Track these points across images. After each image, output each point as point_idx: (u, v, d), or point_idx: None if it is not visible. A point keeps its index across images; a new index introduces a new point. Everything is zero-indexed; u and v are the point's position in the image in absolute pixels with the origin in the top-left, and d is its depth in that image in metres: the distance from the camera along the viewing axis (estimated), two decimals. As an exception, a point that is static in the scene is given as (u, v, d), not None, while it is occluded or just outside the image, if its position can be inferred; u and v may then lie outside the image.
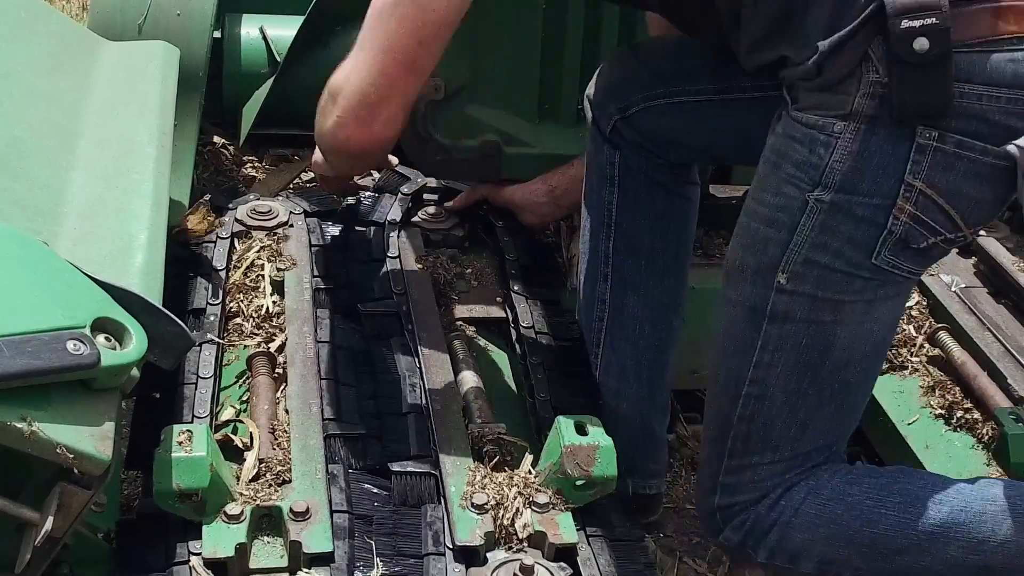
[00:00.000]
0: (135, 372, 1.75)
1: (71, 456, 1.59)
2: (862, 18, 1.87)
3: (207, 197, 2.88)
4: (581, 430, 2.08)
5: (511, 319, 2.72)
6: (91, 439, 1.63)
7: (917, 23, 1.82)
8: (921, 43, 1.83)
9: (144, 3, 3.03)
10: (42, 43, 2.59)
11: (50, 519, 1.63)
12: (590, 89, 2.60)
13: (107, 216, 2.09)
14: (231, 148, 3.85)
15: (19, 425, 1.55)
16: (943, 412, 2.71)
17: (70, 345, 1.62)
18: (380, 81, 2.22)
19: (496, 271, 2.88)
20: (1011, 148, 1.87)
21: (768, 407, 2.13)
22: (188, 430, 1.97)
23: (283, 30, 3.62)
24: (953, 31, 1.84)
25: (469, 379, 2.40)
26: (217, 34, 3.41)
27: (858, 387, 2.17)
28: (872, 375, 2.20)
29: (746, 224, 2.09)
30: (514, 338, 2.69)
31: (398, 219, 2.95)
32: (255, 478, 2.08)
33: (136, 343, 1.72)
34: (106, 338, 1.70)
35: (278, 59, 3.55)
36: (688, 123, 2.46)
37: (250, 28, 3.66)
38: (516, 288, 2.78)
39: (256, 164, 3.84)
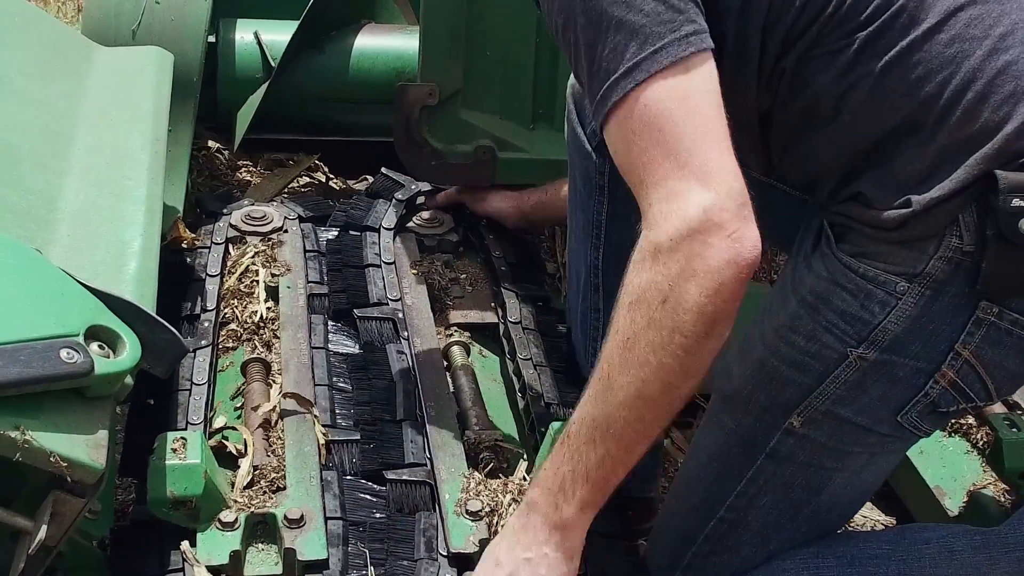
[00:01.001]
0: (129, 380, 1.75)
1: (64, 464, 1.59)
2: (967, 182, 1.76)
3: (179, 214, 2.87)
4: (574, 436, 2.07)
5: (499, 315, 2.73)
6: (85, 447, 1.62)
7: None
8: None
9: (138, 8, 3.02)
10: (35, 48, 2.58)
11: (44, 527, 1.63)
12: (574, 93, 2.53)
13: (100, 223, 2.09)
14: (225, 153, 3.84)
15: (12, 434, 1.55)
16: (937, 418, 2.71)
17: (63, 353, 1.62)
18: (724, 167, 1.75)
19: (487, 273, 2.89)
20: None
21: (740, 534, 2.07)
22: (182, 437, 1.97)
23: (277, 35, 3.61)
24: None
25: (465, 386, 2.40)
26: (211, 39, 3.40)
27: (832, 529, 2.12)
28: (846, 520, 2.16)
29: (763, 358, 1.97)
30: (501, 332, 2.69)
31: (392, 224, 2.95)
32: (249, 485, 2.08)
33: (130, 351, 1.72)
34: (99, 346, 1.70)
35: (272, 64, 3.54)
36: None
37: (244, 33, 3.64)
38: (505, 285, 2.79)
39: (251, 169, 3.83)
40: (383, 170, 3.18)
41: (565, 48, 1.84)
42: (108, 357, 1.70)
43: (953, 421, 2.66)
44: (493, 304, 2.78)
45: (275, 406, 2.30)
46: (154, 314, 1.83)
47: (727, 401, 2.05)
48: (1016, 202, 1.73)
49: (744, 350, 2.03)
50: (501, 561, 1.88)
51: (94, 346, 1.68)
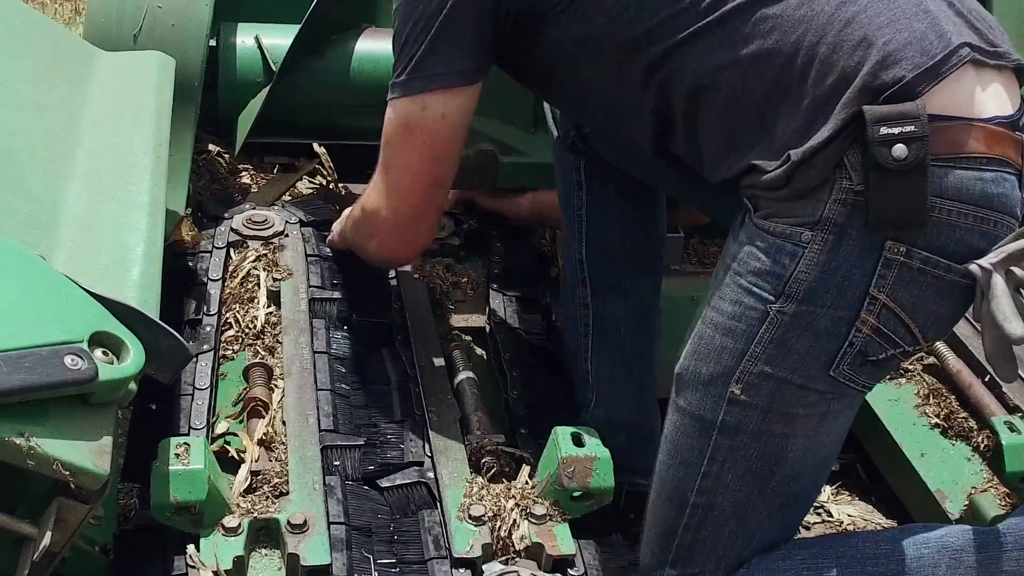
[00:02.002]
0: (132, 386, 1.74)
1: (69, 472, 1.59)
2: (838, 126, 1.85)
3: (189, 211, 2.87)
4: (578, 441, 2.08)
5: (486, 313, 2.75)
6: (89, 454, 1.63)
7: (896, 130, 1.81)
8: (900, 150, 1.81)
9: (139, 13, 3.02)
10: (37, 53, 2.58)
11: (48, 534, 1.63)
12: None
13: (103, 228, 2.09)
14: (226, 156, 3.83)
15: (17, 440, 1.55)
16: (939, 421, 2.71)
17: (68, 360, 1.62)
18: (413, 200, 2.36)
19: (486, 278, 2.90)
20: (973, 267, 1.87)
21: (715, 517, 2.08)
22: (185, 443, 1.98)
23: (278, 39, 3.61)
24: (928, 143, 1.83)
25: (467, 390, 2.40)
26: (212, 43, 3.40)
27: (806, 498, 2.15)
28: (819, 486, 2.18)
29: (700, 331, 2.04)
30: (488, 331, 2.71)
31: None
32: (253, 490, 2.08)
33: (134, 357, 1.72)
34: (104, 352, 1.70)
35: (273, 68, 3.54)
36: (635, 159, 2.48)
37: (245, 37, 3.64)
38: (494, 286, 2.81)
39: (251, 172, 3.82)
40: None
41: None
42: (112, 363, 1.70)
43: (954, 425, 2.68)
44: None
45: (277, 410, 2.30)
46: (158, 319, 1.83)
47: (678, 380, 2.09)
48: (884, 130, 1.82)
49: (690, 332, 2.09)
50: None
51: (98, 352, 1.69)
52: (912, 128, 1.81)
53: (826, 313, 1.91)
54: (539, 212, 3.03)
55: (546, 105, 2.64)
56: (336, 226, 2.74)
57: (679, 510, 2.10)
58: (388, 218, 2.38)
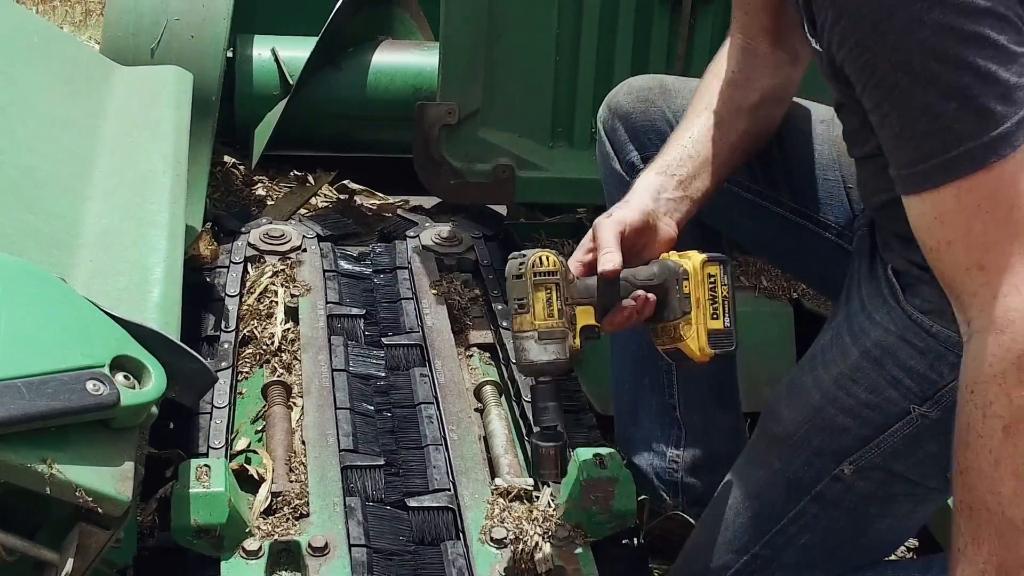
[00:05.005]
0: (154, 410, 1.73)
1: (91, 498, 1.57)
2: None
3: (208, 224, 2.86)
4: (600, 463, 2.06)
5: (501, 358, 2.67)
6: (111, 480, 1.61)
7: None
8: None
9: (157, 27, 3.01)
10: (56, 69, 2.57)
11: (70, 560, 1.61)
12: (607, 115, 2.42)
13: (123, 248, 2.07)
14: (241, 168, 3.83)
15: (39, 467, 1.53)
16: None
17: (90, 385, 1.60)
18: None
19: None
20: None
21: (774, 570, 2.04)
22: (206, 464, 1.96)
23: (294, 51, 3.61)
24: None
25: (498, 431, 2.37)
26: (228, 55, 3.40)
27: (867, 569, 2.08)
28: (881, 560, 2.11)
29: (819, 405, 1.93)
30: (506, 376, 2.61)
31: (413, 246, 2.95)
32: (273, 511, 2.06)
33: (155, 381, 1.70)
34: (125, 376, 1.68)
35: (290, 81, 3.54)
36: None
37: (262, 49, 3.65)
38: (504, 324, 2.69)
39: (267, 185, 3.82)
40: (398, 211, 3.19)
41: (874, 87, 1.66)
42: (133, 388, 1.68)
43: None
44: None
45: (296, 429, 2.29)
46: (180, 342, 1.82)
47: (776, 442, 2.01)
48: None
49: (795, 394, 1.99)
50: None
51: (119, 377, 1.67)
52: None
53: None
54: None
55: (601, 130, 2.44)
56: None
57: (736, 556, 2.07)
58: None
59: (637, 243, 2.04)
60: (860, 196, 2.04)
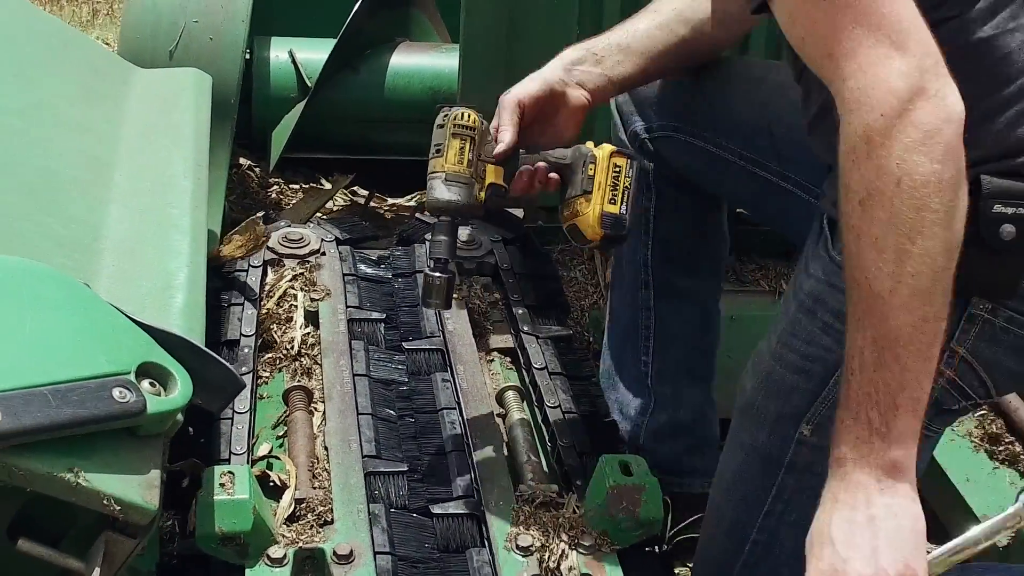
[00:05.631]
0: (179, 417, 1.72)
1: (118, 507, 1.56)
2: None
3: (260, 214, 2.84)
4: (626, 470, 2.05)
5: (522, 363, 2.67)
6: (138, 488, 1.59)
7: (1010, 210, 1.71)
8: (1008, 230, 1.72)
9: (176, 29, 3.00)
10: (75, 71, 2.56)
11: (97, 569, 1.60)
12: (619, 97, 2.49)
13: (145, 253, 2.06)
14: (257, 170, 3.83)
15: (66, 475, 1.51)
16: (984, 444, 2.68)
17: (116, 392, 1.59)
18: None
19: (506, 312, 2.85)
20: None
21: (776, 555, 2.02)
22: (230, 471, 1.94)
23: (312, 53, 3.60)
24: None
25: (520, 436, 2.36)
26: (245, 56, 3.39)
27: None
28: None
29: (769, 367, 1.95)
30: (527, 381, 2.62)
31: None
32: (297, 518, 2.05)
33: (181, 388, 1.68)
34: (151, 383, 1.66)
35: (308, 83, 3.53)
36: (704, 169, 2.40)
37: (279, 51, 3.64)
38: (525, 329, 2.71)
39: (282, 187, 3.82)
40: (416, 215, 3.18)
41: None
42: (159, 395, 1.66)
43: (1000, 449, 2.65)
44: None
45: (319, 435, 2.28)
46: (205, 348, 1.80)
47: (742, 415, 2.03)
48: (998, 208, 1.72)
49: (754, 363, 2.02)
50: (839, 538, 1.68)
51: (145, 384, 1.65)
52: None
53: None
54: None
55: (613, 109, 2.53)
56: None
57: (738, 547, 2.06)
58: (912, 86, 1.61)
59: (544, 111, 2.21)
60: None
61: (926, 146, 1.59)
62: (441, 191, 2.12)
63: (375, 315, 2.68)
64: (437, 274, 2.15)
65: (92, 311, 1.70)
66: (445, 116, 2.15)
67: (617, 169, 2.16)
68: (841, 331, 1.79)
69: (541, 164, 2.16)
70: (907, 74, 1.59)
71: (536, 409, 2.52)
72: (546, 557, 2.00)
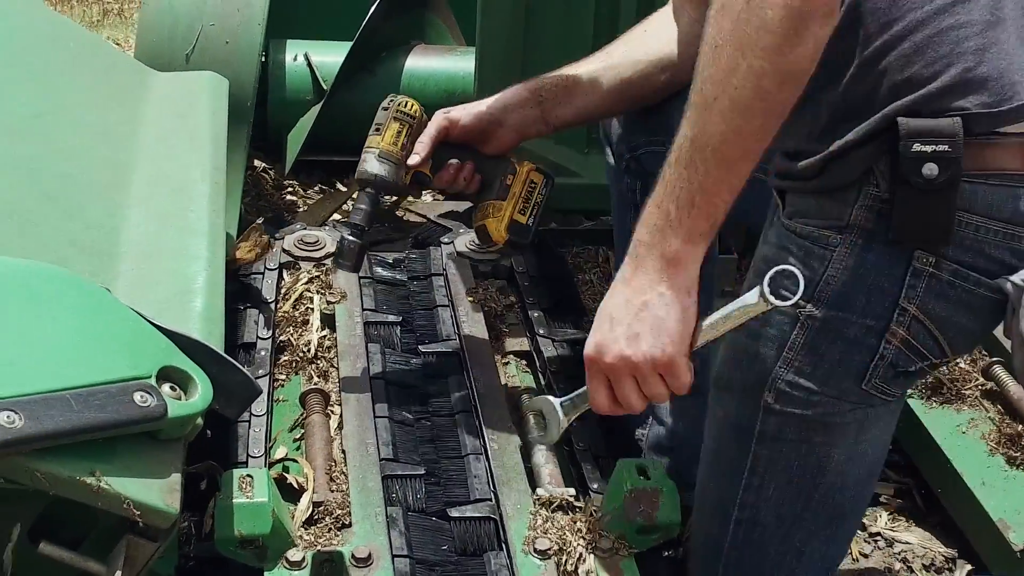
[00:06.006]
0: (199, 421, 1.72)
1: (139, 511, 1.57)
2: (873, 131, 1.78)
3: (260, 221, 2.85)
4: (643, 474, 2.05)
5: (538, 366, 2.68)
6: (159, 492, 1.60)
7: (929, 148, 1.75)
8: (930, 169, 1.75)
9: (192, 32, 3.01)
10: (92, 75, 2.57)
11: (118, 573, 1.61)
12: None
13: (164, 257, 2.07)
14: (271, 173, 3.83)
15: (88, 479, 1.52)
16: (999, 448, 2.67)
17: (137, 397, 1.59)
18: None
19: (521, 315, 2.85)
20: (1004, 283, 1.82)
21: (760, 533, 2.04)
22: (249, 475, 1.95)
23: (327, 56, 3.61)
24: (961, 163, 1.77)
25: (536, 435, 2.35)
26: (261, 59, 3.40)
27: (853, 514, 2.09)
28: (865, 501, 2.12)
29: (733, 337, 1.96)
30: (543, 383, 2.63)
31: (448, 252, 2.94)
32: (315, 521, 2.06)
33: (202, 393, 1.69)
34: (171, 387, 1.67)
35: (324, 85, 3.54)
36: None
37: (294, 54, 3.64)
38: (541, 332, 2.74)
39: (296, 189, 3.82)
40: (431, 218, 3.18)
41: None
42: (180, 399, 1.67)
43: (1016, 452, 2.64)
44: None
45: (335, 438, 2.29)
46: (224, 354, 1.81)
47: (715, 388, 2.06)
48: (916, 147, 1.75)
49: (726, 337, 2.02)
50: (615, 316, 1.84)
51: (166, 388, 1.66)
52: (946, 148, 1.75)
53: (856, 321, 1.86)
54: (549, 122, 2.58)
55: (601, 129, 2.60)
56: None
57: (723, 526, 2.06)
58: None
59: (473, 137, 2.42)
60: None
61: None
62: (372, 164, 2.35)
63: (391, 318, 2.69)
64: (352, 239, 2.35)
65: (113, 315, 1.71)
66: (391, 101, 2.38)
67: (533, 184, 2.37)
68: (790, 289, 1.84)
69: (469, 163, 2.38)
70: None
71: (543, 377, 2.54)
72: (564, 561, 2.00)
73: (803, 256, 1.86)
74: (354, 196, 2.74)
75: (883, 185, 1.79)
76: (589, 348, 1.87)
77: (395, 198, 3.10)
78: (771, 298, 1.76)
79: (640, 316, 1.81)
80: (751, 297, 1.79)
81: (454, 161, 2.39)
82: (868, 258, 1.83)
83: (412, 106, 2.37)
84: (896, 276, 1.82)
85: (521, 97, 2.44)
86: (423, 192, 2.59)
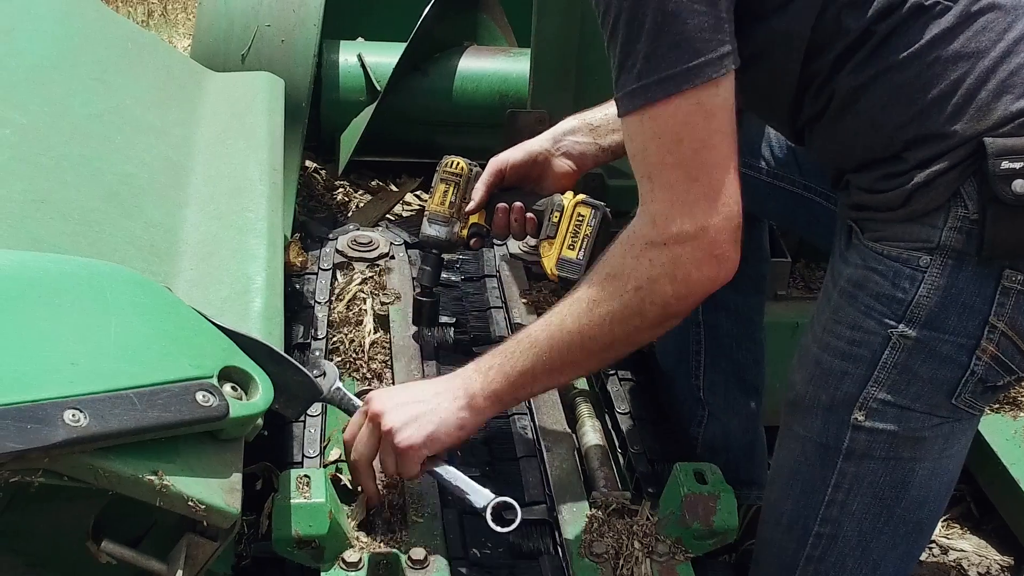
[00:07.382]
0: (259, 422, 1.73)
1: (202, 510, 1.57)
2: (959, 155, 1.82)
3: (297, 236, 2.86)
4: (701, 479, 2.04)
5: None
6: (220, 491, 1.61)
7: (1018, 165, 1.78)
8: (1021, 186, 1.78)
9: (248, 33, 3.02)
10: (150, 75, 2.59)
11: (179, 572, 1.61)
12: None
13: (223, 257, 2.08)
14: (323, 173, 3.84)
15: (151, 479, 1.53)
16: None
17: (199, 396, 1.60)
18: (731, 195, 1.89)
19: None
20: None
21: (840, 547, 2.03)
22: (306, 475, 1.95)
23: (380, 57, 3.62)
24: None
25: (591, 438, 2.35)
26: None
27: (928, 527, 2.10)
28: (940, 514, 2.11)
29: (817, 356, 1.99)
30: (597, 387, 2.64)
31: (501, 254, 2.94)
32: (371, 523, 2.05)
33: (263, 393, 1.70)
34: (232, 387, 1.68)
35: (377, 86, 3.54)
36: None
37: (348, 55, 3.65)
38: None
39: (348, 190, 3.83)
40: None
41: (603, 29, 1.87)
42: (241, 399, 1.68)
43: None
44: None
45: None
46: (284, 354, 1.81)
47: (794, 408, 2.05)
48: (1005, 164, 1.79)
49: (800, 356, 2.05)
50: (414, 390, 2.09)
51: (227, 388, 1.67)
52: None
53: (948, 340, 1.88)
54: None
55: None
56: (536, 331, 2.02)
57: (800, 540, 2.06)
58: (704, 238, 1.83)
59: (528, 175, 2.47)
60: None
61: (679, 285, 1.86)
62: (425, 227, 2.53)
63: (444, 319, 2.68)
64: (422, 299, 2.55)
65: (175, 315, 1.72)
66: (439, 163, 2.52)
67: (580, 218, 2.39)
68: (883, 312, 1.89)
69: (517, 204, 2.43)
70: (704, 226, 1.82)
71: (606, 415, 2.51)
72: (620, 564, 2.00)
73: (892, 276, 1.89)
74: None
75: (971, 206, 1.82)
76: (377, 393, 2.09)
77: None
78: (494, 525, 1.98)
79: (426, 405, 2.02)
80: (479, 500, 2.00)
81: (502, 205, 2.45)
82: (959, 278, 1.86)
83: (457, 164, 2.49)
84: (986, 295, 1.85)
85: (571, 126, 2.47)
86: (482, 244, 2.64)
